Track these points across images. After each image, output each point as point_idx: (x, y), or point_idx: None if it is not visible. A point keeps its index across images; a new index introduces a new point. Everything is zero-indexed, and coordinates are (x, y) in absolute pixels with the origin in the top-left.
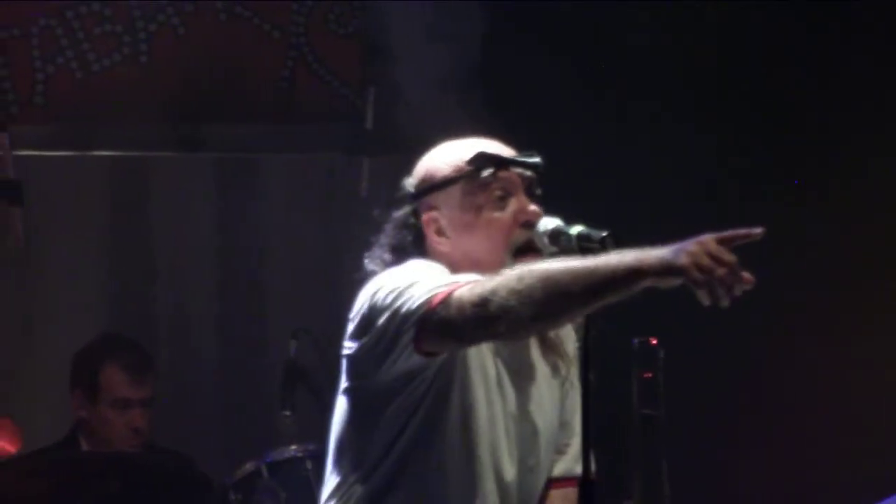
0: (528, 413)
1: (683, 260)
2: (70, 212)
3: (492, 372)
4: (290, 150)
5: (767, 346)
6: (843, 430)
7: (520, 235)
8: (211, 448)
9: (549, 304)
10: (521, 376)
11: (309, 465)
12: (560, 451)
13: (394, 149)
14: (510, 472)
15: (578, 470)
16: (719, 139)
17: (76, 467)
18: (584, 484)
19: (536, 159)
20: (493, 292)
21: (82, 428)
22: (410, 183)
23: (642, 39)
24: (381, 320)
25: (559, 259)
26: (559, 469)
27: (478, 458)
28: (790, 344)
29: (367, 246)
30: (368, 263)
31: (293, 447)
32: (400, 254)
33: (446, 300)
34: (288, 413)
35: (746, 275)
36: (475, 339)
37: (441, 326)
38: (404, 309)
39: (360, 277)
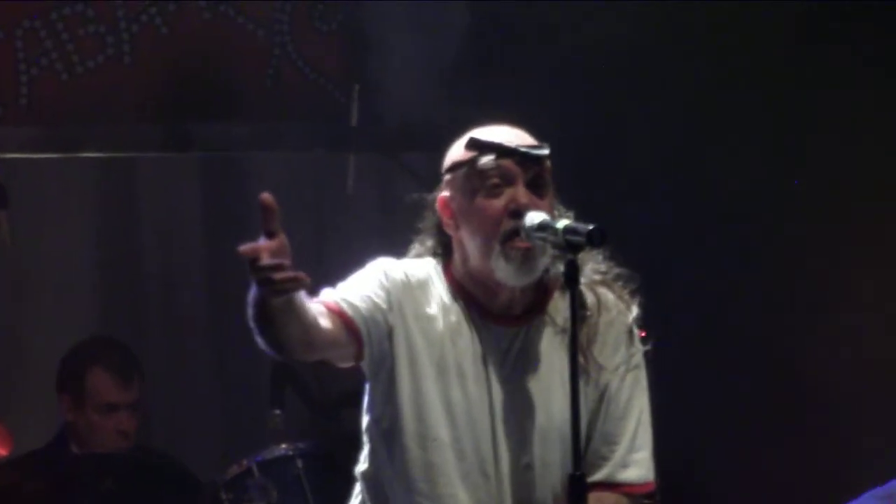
0: (522, 412)
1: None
2: (57, 214)
3: (470, 370)
4: (276, 149)
5: (753, 343)
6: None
7: (508, 224)
8: (201, 447)
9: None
10: (520, 375)
11: (299, 463)
12: (604, 456)
13: (379, 145)
14: (491, 466)
15: (620, 477)
16: (711, 128)
17: (69, 468)
18: (573, 478)
19: (538, 151)
20: None
21: (70, 430)
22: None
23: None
24: None
25: None
26: (600, 474)
27: (442, 454)
28: (779, 340)
29: (353, 242)
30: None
31: (283, 446)
32: (421, 235)
33: None
34: (278, 412)
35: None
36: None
37: None
38: None
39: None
